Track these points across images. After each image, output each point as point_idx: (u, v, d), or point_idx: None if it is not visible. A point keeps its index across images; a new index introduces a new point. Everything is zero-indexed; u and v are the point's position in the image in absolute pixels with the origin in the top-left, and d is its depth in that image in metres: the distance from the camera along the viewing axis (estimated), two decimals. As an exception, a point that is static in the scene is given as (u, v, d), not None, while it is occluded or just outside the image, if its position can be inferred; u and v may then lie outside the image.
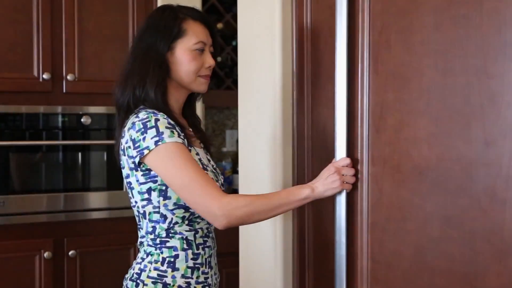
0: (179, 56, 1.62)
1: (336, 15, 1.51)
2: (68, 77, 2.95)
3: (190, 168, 1.51)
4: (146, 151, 1.52)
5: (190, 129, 1.72)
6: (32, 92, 2.91)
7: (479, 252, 1.19)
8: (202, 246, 1.63)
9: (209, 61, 1.66)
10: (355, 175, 1.52)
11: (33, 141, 2.92)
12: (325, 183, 1.51)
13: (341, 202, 1.53)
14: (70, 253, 2.93)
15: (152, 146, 1.51)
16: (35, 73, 2.90)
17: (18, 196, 2.89)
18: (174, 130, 1.54)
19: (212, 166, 1.72)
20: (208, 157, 1.74)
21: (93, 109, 3.01)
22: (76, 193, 3.00)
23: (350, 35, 1.50)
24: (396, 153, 1.40)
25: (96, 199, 3.03)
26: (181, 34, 1.62)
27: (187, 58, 1.62)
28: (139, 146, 1.53)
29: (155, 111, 1.56)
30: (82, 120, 2.98)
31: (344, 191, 1.52)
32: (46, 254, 2.87)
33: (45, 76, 2.90)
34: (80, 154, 3.03)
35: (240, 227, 2.04)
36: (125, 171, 1.61)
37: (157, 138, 1.51)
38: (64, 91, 2.96)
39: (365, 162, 1.49)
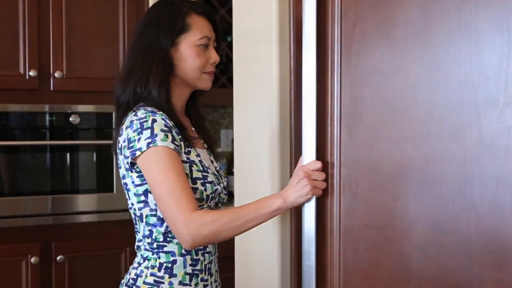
0: (183, 52, 1.62)
1: (303, 3, 1.48)
2: (56, 74, 2.95)
3: (172, 177, 1.51)
4: (138, 152, 1.53)
5: (193, 129, 1.72)
6: (18, 90, 2.91)
7: (475, 259, 1.17)
8: (202, 251, 1.63)
9: (214, 57, 1.67)
10: (326, 179, 1.47)
11: (18, 141, 2.92)
12: (296, 190, 1.47)
13: (310, 208, 1.49)
14: (58, 258, 2.94)
15: (144, 148, 1.52)
16: (21, 70, 2.91)
17: (2, 199, 2.89)
18: (169, 134, 1.53)
19: (215, 168, 1.71)
20: (212, 159, 1.74)
21: (82, 108, 3.01)
22: (64, 195, 3.01)
23: (319, 26, 1.46)
24: (374, 155, 1.36)
25: (85, 202, 3.04)
26: (185, 29, 1.62)
27: (192, 54, 1.62)
28: (133, 147, 1.54)
29: (154, 110, 1.55)
30: (70, 119, 2.98)
31: (314, 196, 1.48)
32: (33, 259, 2.88)
33: (32, 73, 2.90)
34: (68, 154, 3.03)
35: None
36: (121, 171, 1.62)
37: (149, 140, 1.51)
38: (51, 88, 2.97)
39: (336, 165, 1.45)
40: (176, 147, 1.54)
